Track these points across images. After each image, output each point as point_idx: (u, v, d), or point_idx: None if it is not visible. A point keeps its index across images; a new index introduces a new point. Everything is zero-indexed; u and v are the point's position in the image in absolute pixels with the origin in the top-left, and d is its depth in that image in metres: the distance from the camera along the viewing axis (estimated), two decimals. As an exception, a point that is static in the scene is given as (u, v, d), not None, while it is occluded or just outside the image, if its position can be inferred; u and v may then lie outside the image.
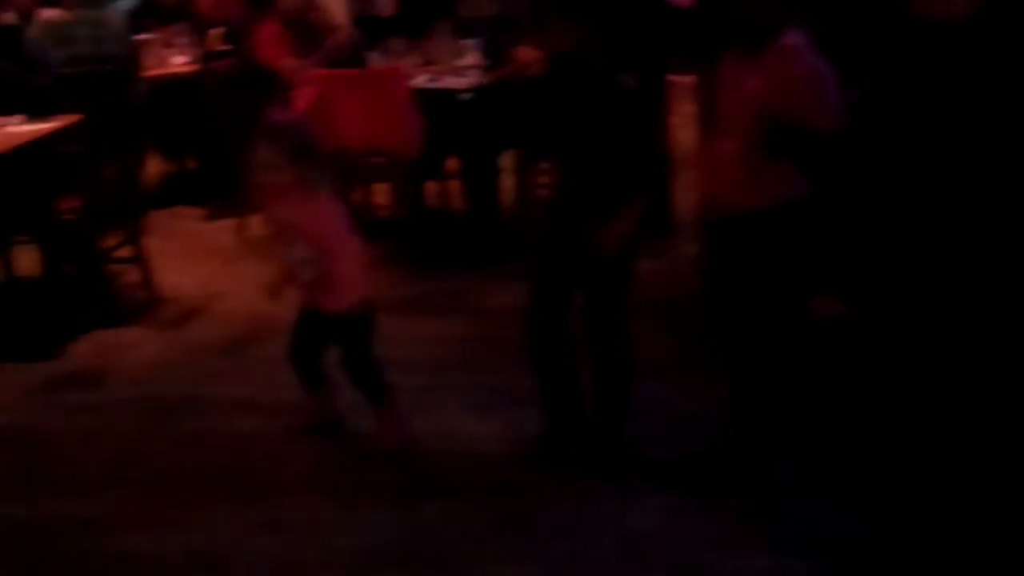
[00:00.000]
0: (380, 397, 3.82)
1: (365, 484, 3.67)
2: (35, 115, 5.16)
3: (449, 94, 5.67)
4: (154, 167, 7.78)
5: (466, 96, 5.69)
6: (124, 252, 5.43)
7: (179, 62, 7.38)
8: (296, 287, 3.77)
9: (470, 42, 6.02)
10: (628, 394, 3.59)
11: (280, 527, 3.45)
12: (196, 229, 6.75)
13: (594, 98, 3.30)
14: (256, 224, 6.22)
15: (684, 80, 5.51)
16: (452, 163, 6.52)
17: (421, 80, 5.60)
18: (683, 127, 5.65)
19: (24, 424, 4.25)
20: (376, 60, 5.87)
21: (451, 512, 3.47)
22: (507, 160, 6.17)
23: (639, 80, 3.26)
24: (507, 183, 6.18)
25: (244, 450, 3.93)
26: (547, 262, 3.55)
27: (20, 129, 5.06)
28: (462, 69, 5.78)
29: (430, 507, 3.51)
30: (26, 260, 5.54)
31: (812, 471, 3.56)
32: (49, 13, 6.51)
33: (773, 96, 3.07)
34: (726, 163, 3.23)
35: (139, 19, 7.18)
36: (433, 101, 5.63)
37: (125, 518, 3.55)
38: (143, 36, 7.02)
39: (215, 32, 7.44)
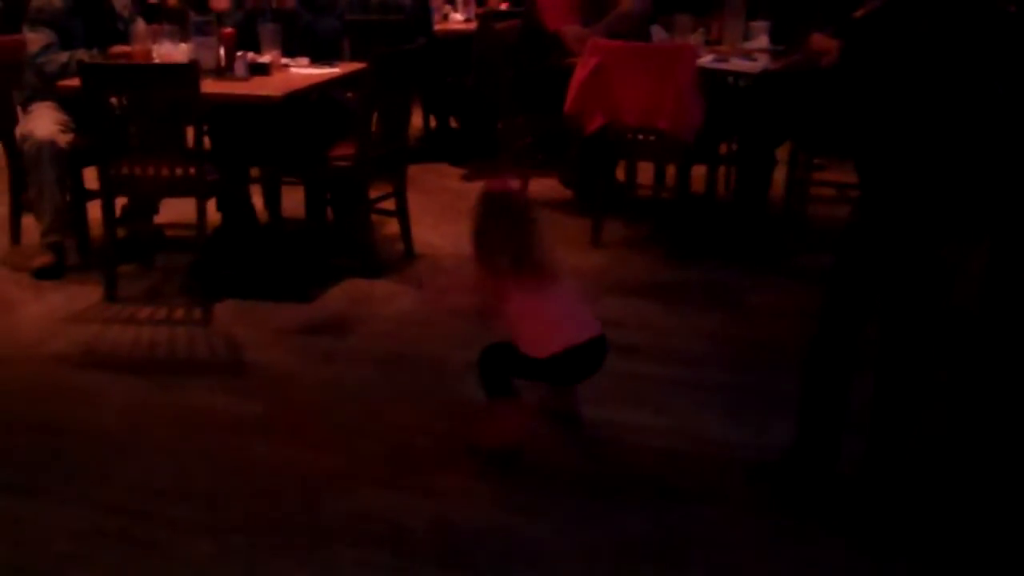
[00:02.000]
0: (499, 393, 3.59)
1: (609, 476, 3.50)
2: (320, 59, 5.19)
3: (734, 76, 5.42)
4: (417, 121, 7.86)
5: (744, 82, 5.43)
6: (387, 204, 5.44)
7: (458, 18, 7.40)
8: None
9: (760, 24, 5.73)
10: (912, 431, 3.18)
11: (521, 509, 3.31)
12: (453, 188, 6.75)
13: (962, 99, 2.93)
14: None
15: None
16: (724, 147, 6.27)
17: (707, 60, 5.34)
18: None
19: (275, 365, 4.28)
20: (659, 35, 5.66)
21: (700, 520, 3.25)
22: (781, 152, 5.89)
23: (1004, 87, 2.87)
24: (778, 176, 5.89)
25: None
26: (850, 264, 3.20)
27: (304, 72, 5.06)
28: (751, 51, 5.49)
29: (679, 511, 3.29)
30: (289, 202, 5.64)
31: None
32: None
33: None
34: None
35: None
36: (715, 83, 5.39)
37: (363, 474, 3.49)
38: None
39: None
